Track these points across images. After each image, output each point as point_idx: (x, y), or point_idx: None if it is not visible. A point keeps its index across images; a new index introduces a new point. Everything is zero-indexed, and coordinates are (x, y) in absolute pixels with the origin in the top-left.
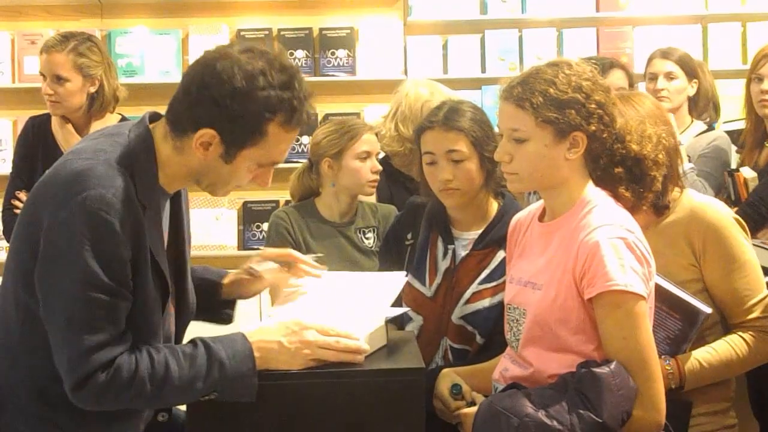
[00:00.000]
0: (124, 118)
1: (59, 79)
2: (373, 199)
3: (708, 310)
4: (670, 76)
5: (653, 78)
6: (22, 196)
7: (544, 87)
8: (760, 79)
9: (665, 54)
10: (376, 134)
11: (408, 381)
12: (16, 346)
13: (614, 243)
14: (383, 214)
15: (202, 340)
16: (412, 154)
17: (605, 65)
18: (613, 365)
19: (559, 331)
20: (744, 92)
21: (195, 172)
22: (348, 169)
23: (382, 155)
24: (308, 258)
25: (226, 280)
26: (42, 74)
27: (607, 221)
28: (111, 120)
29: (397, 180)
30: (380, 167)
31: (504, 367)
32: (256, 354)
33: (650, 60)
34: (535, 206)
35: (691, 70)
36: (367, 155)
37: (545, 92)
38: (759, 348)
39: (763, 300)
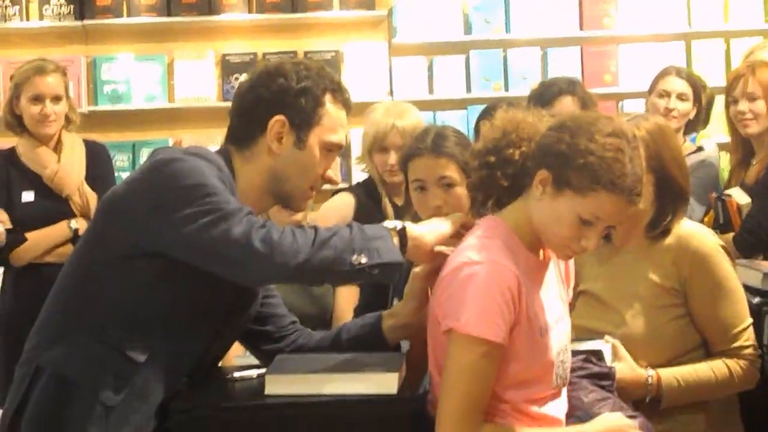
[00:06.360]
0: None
1: (58, 99)
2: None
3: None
4: (682, 98)
5: (664, 95)
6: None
7: None
8: (735, 101)
9: (680, 73)
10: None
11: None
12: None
13: None
14: None
15: None
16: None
17: (553, 94)
18: None
19: None
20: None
21: (272, 174)
22: None
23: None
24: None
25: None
26: (36, 98)
27: None
28: (74, 138)
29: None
30: None
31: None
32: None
33: (663, 76)
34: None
35: (698, 94)
36: None
37: None
38: (740, 375)
39: (747, 328)
